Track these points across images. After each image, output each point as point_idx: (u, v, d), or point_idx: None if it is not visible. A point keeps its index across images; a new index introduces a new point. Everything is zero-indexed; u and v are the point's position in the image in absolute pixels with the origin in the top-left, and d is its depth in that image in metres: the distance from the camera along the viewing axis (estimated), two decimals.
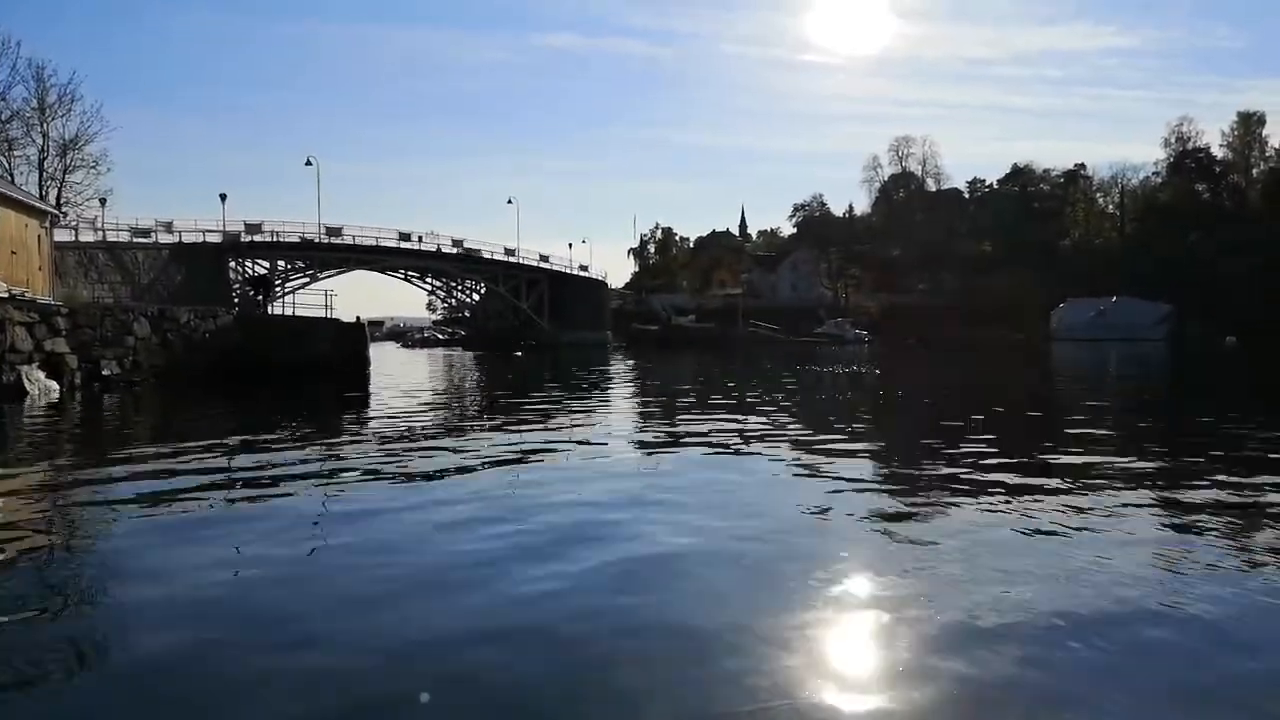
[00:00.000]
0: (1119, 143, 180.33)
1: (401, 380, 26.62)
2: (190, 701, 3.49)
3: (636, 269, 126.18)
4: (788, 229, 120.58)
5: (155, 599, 4.82)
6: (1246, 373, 31.57)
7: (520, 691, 3.57)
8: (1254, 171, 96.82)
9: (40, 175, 46.16)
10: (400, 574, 5.27)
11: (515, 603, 4.68)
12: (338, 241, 63.66)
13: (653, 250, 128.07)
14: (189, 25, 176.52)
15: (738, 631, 4.17)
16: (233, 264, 58.02)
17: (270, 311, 33.58)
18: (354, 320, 28.73)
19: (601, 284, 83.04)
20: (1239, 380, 27.92)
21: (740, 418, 14.89)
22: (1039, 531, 6.23)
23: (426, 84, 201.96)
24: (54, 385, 19.45)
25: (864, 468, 9.57)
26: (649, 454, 10.88)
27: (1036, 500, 7.37)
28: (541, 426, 13.65)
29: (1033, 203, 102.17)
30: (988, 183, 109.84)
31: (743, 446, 11.21)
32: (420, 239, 68.46)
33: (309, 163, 61.93)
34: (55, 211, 33.70)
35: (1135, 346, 59.35)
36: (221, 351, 24.64)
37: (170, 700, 3.52)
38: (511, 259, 74.07)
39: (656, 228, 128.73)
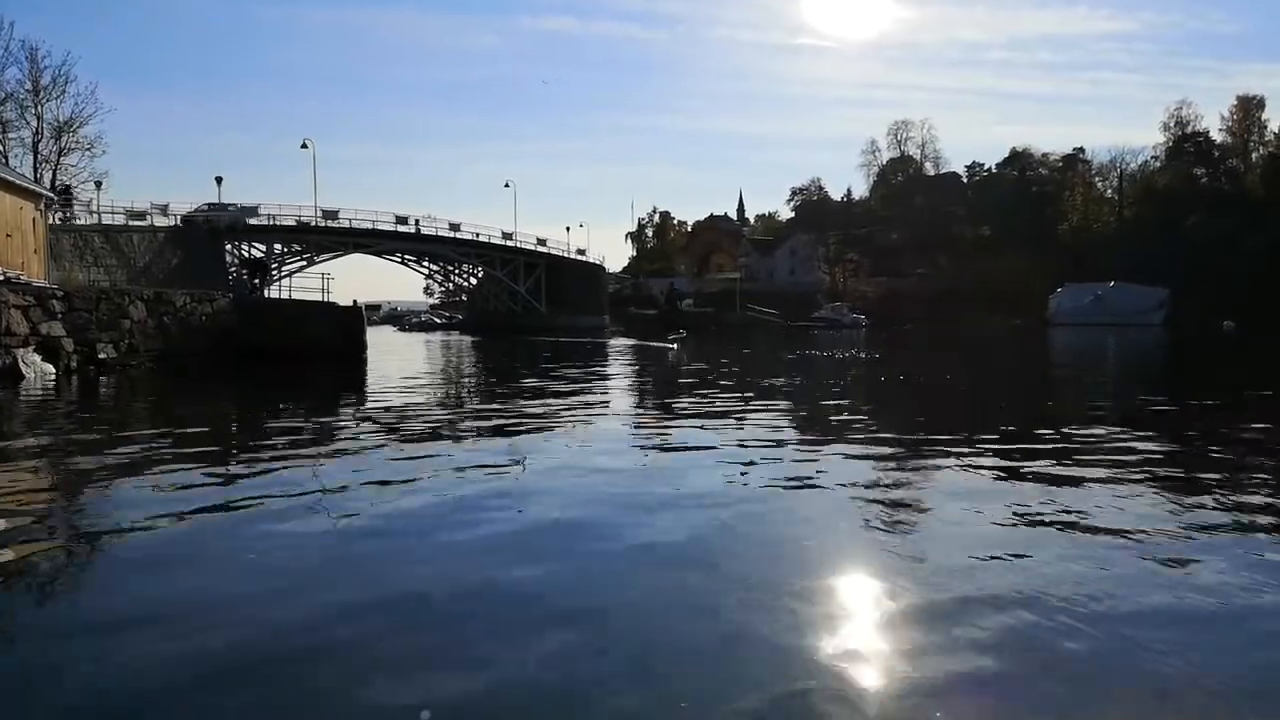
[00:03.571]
0: (1118, 127, 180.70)
1: (400, 364, 26.57)
2: (186, 674, 3.46)
3: (634, 253, 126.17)
4: (786, 213, 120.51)
5: (150, 576, 4.78)
6: (1250, 358, 31.56)
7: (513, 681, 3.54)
8: (1254, 156, 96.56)
9: (35, 158, 46.00)
10: (404, 563, 5.24)
11: (509, 594, 4.66)
12: (334, 225, 63.49)
13: (650, 234, 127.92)
14: (181, 7, 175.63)
15: (732, 611, 4.15)
16: (229, 247, 57.82)
17: (267, 295, 33.41)
18: (351, 304, 28.61)
19: (599, 268, 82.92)
20: (1244, 367, 27.91)
21: (733, 405, 14.86)
22: (1037, 519, 6.21)
23: (421, 68, 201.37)
24: (50, 369, 19.38)
25: (856, 454, 9.53)
26: (647, 442, 10.83)
27: (1034, 486, 7.35)
28: (541, 413, 13.60)
29: (1031, 187, 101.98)
30: (986, 167, 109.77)
31: (736, 431, 11.18)
32: (417, 222, 68.25)
33: (305, 145, 61.72)
34: (50, 194, 33.52)
35: (1132, 332, 59.37)
36: (218, 335, 24.57)
37: (160, 679, 3.49)
38: (509, 243, 73.90)
39: (654, 212, 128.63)
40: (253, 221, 59.19)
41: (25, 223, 26.89)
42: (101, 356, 21.10)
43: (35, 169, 44.66)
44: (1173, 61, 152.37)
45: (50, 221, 32.84)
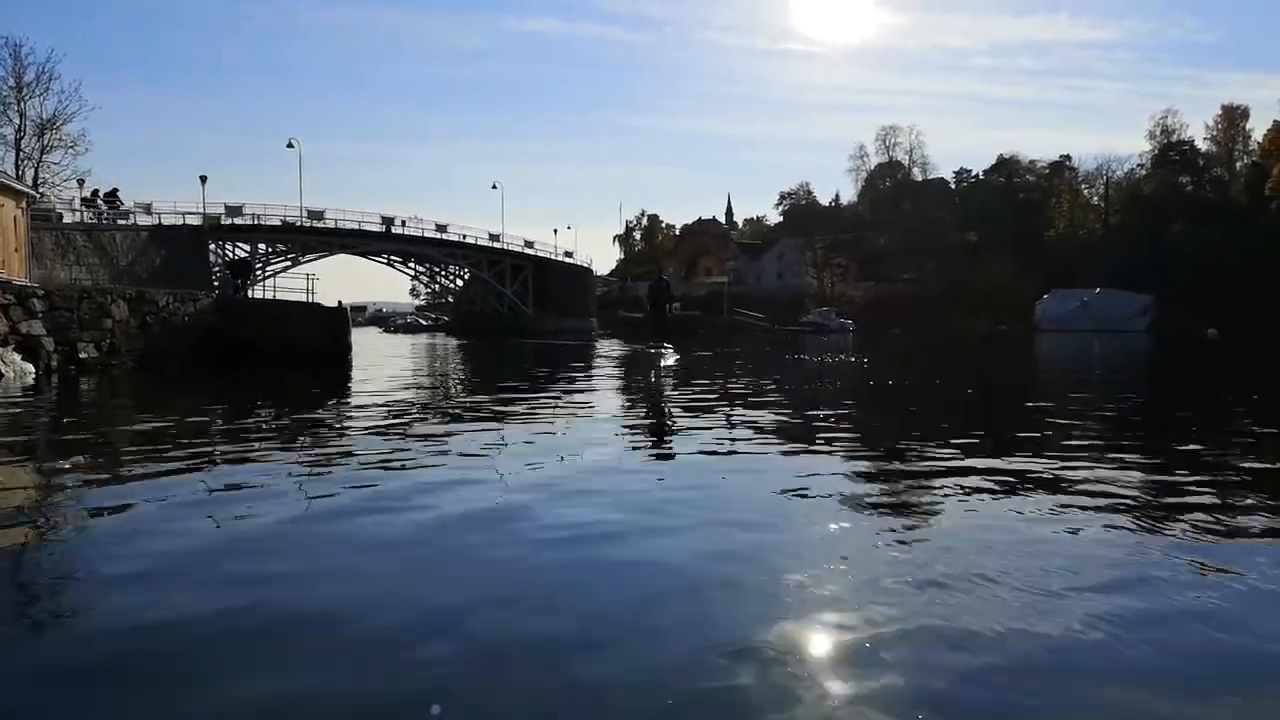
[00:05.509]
0: (1103, 134, 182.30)
1: (385, 368, 26.35)
2: (164, 673, 3.33)
3: (622, 256, 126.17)
4: (774, 217, 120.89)
5: (130, 579, 4.64)
6: (1235, 368, 31.74)
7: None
8: (1238, 165, 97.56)
9: (17, 155, 45.68)
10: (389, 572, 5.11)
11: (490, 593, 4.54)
12: (320, 225, 63.19)
13: (638, 237, 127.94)
14: (180, 3, 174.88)
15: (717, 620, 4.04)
16: (213, 247, 57.48)
17: (251, 295, 33.14)
18: (336, 305, 28.37)
19: (587, 271, 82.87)
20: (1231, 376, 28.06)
21: (722, 409, 14.78)
22: (1022, 526, 6.13)
23: (418, 65, 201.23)
24: (30, 368, 19.14)
25: (847, 459, 9.45)
26: (637, 450, 10.74)
27: (1022, 496, 7.28)
28: (529, 421, 13.48)
29: (1018, 194, 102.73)
30: (974, 173, 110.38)
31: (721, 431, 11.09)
32: (403, 223, 68.01)
33: (291, 145, 61.53)
34: (32, 192, 33.20)
35: (1117, 338, 59.71)
36: (201, 335, 24.34)
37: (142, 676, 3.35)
38: (496, 244, 73.79)
39: (642, 215, 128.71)
40: (235, 221, 58.82)
41: (6, 220, 26.60)
42: (82, 356, 20.86)
43: (17, 166, 44.33)
44: (1153, 70, 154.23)
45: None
